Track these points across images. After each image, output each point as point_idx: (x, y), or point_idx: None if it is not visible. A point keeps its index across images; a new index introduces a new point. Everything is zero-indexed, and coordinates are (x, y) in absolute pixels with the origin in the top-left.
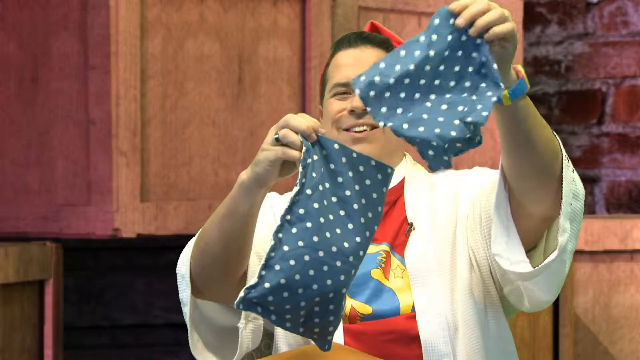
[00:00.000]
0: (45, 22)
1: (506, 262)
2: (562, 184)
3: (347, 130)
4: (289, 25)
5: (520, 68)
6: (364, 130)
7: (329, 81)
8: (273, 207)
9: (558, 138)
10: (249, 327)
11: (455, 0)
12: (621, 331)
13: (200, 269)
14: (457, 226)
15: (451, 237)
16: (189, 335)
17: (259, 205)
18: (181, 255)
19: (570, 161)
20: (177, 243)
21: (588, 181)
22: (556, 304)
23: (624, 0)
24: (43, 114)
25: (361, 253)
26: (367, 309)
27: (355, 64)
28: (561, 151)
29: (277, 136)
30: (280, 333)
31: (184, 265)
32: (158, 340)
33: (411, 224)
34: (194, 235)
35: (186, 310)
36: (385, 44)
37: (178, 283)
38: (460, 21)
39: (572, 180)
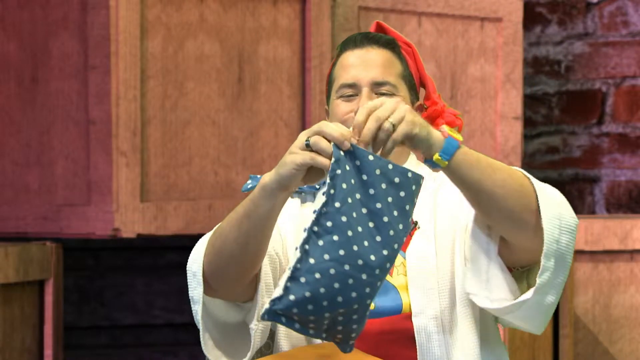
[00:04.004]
0: (45, 22)
1: (484, 301)
2: (539, 216)
3: None
4: (289, 25)
5: (444, 128)
6: None
7: (335, 81)
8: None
9: (528, 175)
10: (259, 327)
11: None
12: (621, 331)
13: (215, 267)
14: (456, 233)
15: (451, 241)
16: (200, 333)
17: (279, 209)
18: (192, 252)
19: (551, 194)
20: (177, 243)
21: (588, 181)
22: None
23: (624, 0)
24: (43, 114)
25: (387, 265)
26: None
27: (361, 64)
28: (533, 187)
29: (308, 142)
30: (282, 331)
31: (195, 262)
32: (158, 340)
33: (416, 223)
34: (194, 235)
35: (197, 308)
36: (391, 45)
37: (188, 281)
38: (347, 145)
39: (556, 215)
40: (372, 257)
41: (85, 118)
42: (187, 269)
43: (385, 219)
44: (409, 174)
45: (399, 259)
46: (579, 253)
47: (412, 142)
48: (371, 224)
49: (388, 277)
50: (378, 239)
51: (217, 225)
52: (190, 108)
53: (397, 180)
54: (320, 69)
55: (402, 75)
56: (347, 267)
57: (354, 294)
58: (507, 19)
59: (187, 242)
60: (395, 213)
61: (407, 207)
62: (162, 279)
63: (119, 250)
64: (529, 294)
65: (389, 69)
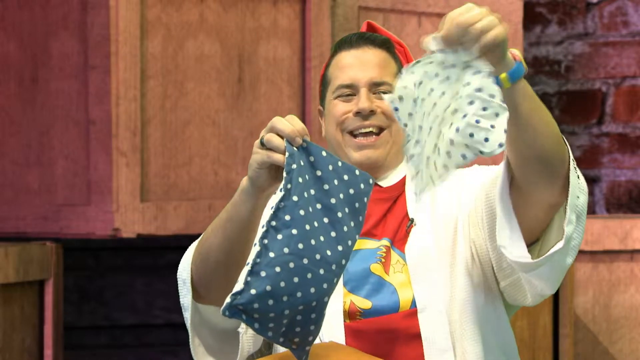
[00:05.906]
0: (45, 22)
1: (510, 254)
2: (568, 171)
3: (352, 133)
4: (289, 25)
5: (517, 52)
6: (371, 133)
7: (332, 82)
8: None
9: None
10: (249, 331)
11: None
12: (621, 331)
13: (203, 274)
14: (457, 222)
15: (451, 233)
16: (190, 340)
17: (260, 211)
18: (182, 260)
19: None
20: (177, 243)
21: (588, 181)
22: (556, 304)
23: (624, 0)
24: (43, 114)
25: (343, 262)
26: (366, 304)
27: (358, 64)
28: (564, 140)
29: (262, 140)
30: None
31: (185, 270)
32: (158, 340)
33: (412, 220)
34: (194, 235)
35: (187, 315)
36: (386, 45)
37: (179, 288)
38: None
39: (576, 174)
40: (328, 252)
41: (85, 118)
42: (177, 276)
43: (339, 214)
44: (357, 172)
45: (394, 257)
46: (579, 253)
47: (497, 49)
48: (326, 220)
49: (385, 276)
50: (333, 234)
51: (204, 232)
52: (190, 108)
53: (346, 177)
54: (320, 69)
55: (398, 74)
56: (305, 260)
57: (312, 290)
58: (507, 19)
59: (187, 242)
60: (347, 210)
61: (357, 205)
62: (162, 279)
63: (119, 250)
64: (560, 243)
65: (385, 68)
